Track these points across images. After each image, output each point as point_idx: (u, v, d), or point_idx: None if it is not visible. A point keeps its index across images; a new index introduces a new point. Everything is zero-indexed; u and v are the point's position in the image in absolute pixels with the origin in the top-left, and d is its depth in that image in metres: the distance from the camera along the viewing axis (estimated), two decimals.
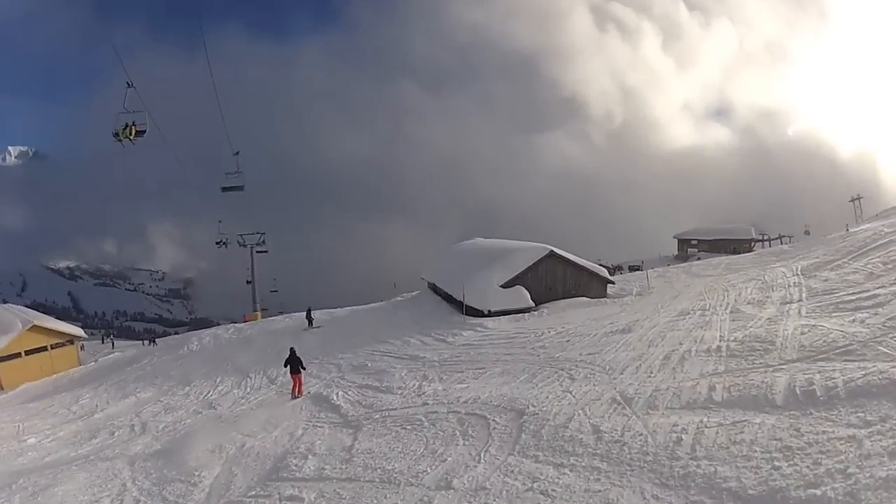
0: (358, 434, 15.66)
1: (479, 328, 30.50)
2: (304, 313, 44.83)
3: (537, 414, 13.40)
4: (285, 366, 23.48)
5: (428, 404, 17.15)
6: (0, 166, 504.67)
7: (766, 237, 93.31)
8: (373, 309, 48.30)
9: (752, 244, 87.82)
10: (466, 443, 12.94)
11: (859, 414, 9.16)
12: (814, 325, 15.89)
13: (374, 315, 44.31)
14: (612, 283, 41.93)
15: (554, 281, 39.12)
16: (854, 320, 15.36)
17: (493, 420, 13.86)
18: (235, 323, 55.68)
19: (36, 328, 43.54)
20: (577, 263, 40.10)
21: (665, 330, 20.45)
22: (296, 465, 14.03)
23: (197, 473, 15.11)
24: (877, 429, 8.49)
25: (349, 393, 21.21)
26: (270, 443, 16.66)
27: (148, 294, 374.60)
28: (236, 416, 22.02)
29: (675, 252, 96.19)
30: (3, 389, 38.22)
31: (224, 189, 54.34)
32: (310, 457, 14.43)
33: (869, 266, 23.52)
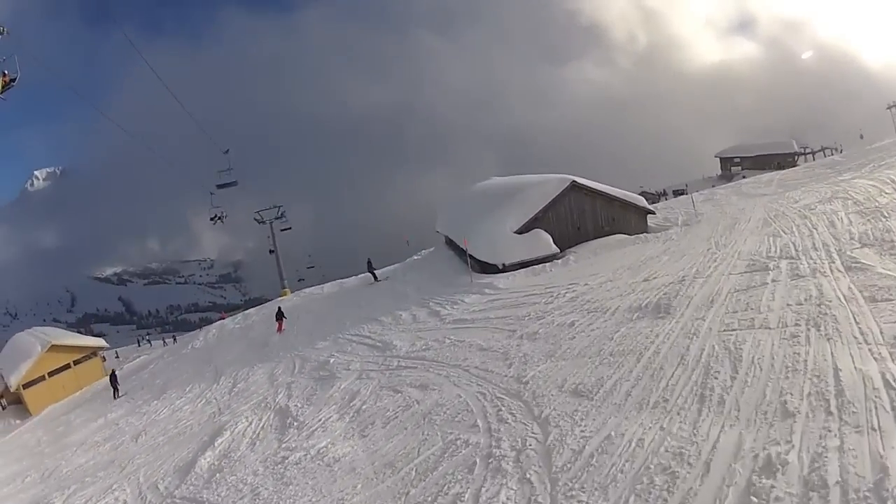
0: None
1: (487, 290, 25.75)
2: (366, 272, 42.59)
3: None
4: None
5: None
6: (31, 191, 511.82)
7: (808, 149, 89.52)
8: (382, 274, 43.16)
9: (796, 158, 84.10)
10: None
11: None
12: None
13: (377, 283, 40.06)
14: (653, 213, 35.93)
15: (582, 218, 33.13)
16: None
17: None
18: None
19: (56, 347, 41.87)
20: (607, 194, 33.89)
21: (735, 308, 13.40)
22: None
23: None
24: None
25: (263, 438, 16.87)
26: None
27: (199, 284, 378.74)
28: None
29: (719, 172, 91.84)
30: (31, 415, 37.18)
31: (219, 186, 53.93)
32: None
33: None
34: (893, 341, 9.23)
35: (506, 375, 13.95)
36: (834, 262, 14.71)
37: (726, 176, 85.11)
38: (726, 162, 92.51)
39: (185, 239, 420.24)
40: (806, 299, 12.43)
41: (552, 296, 20.59)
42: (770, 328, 11.41)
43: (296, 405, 18.16)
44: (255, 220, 59.72)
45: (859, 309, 10.99)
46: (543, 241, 30.59)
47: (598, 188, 33.75)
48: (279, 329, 34.10)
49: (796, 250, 16.99)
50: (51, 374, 40.67)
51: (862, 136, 65.18)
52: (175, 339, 58.37)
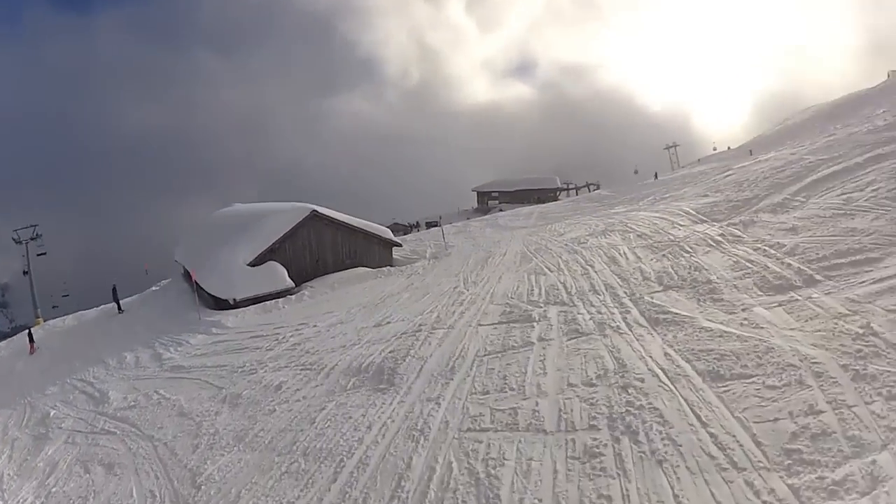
0: None
1: (214, 329, 23.36)
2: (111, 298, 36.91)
3: None
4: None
5: None
6: None
7: (571, 185, 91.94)
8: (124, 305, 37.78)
9: (558, 193, 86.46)
10: None
11: None
12: None
13: (114, 317, 34.74)
14: (399, 245, 34.63)
15: (322, 250, 31.11)
16: None
17: None
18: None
19: None
20: (350, 225, 32.12)
21: (486, 385, 9.90)
22: None
23: None
24: None
25: None
26: None
27: None
28: None
29: (475, 205, 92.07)
30: None
31: None
32: None
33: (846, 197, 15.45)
34: (787, 461, 5.83)
35: (185, 466, 10.82)
36: (629, 312, 11.49)
37: (482, 209, 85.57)
38: (483, 196, 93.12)
39: None
40: (599, 375, 8.83)
41: (276, 340, 18.46)
42: (545, 432, 7.72)
43: (8, 474, 14.49)
44: (13, 239, 54.04)
45: (699, 395, 7.53)
46: (278, 275, 28.30)
47: (340, 218, 31.98)
48: (31, 351, 29.73)
49: (568, 293, 14.16)
50: None
51: (636, 172, 68.57)
52: None
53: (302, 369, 14.02)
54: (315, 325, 18.81)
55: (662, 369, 8.47)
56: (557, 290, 14.80)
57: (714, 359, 8.30)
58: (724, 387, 7.51)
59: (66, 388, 21.42)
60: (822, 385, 6.91)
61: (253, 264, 28.61)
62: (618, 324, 10.94)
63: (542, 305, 13.66)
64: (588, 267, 16.68)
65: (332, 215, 31.52)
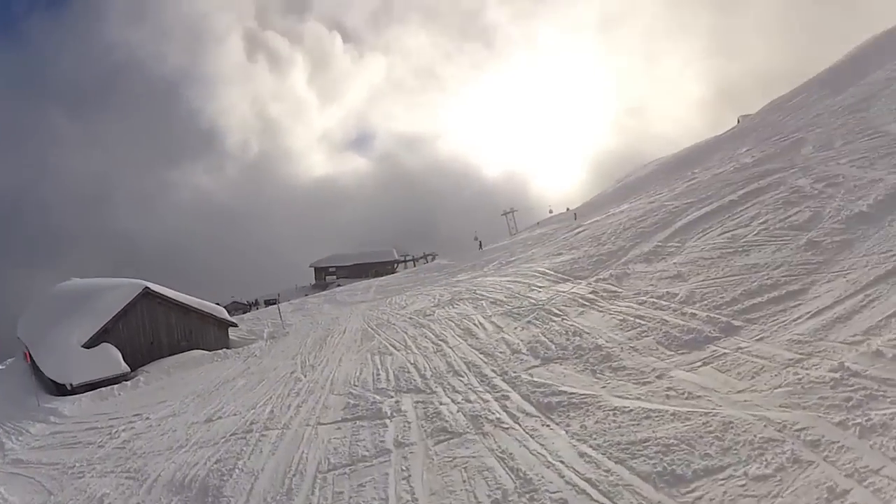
0: None
1: (52, 418, 21.61)
2: None
3: None
4: None
5: None
6: None
7: (409, 257, 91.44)
8: None
9: (396, 265, 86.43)
10: None
11: None
12: None
13: None
14: (235, 325, 32.86)
15: (156, 331, 28.89)
16: None
17: None
18: None
19: None
20: (184, 304, 30.08)
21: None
22: None
23: None
24: None
25: None
26: None
27: None
28: None
29: (313, 281, 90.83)
30: None
31: None
32: None
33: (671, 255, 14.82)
34: None
35: None
36: (507, 398, 9.16)
37: (320, 285, 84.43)
38: (321, 271, 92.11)
39: None
40: (497, 501, 6.28)
41: (109, 434, 16.53)
42: None
43: None
44: None
45: None
46: (112, 358, 26.12)
47: (173, 297, 29.86)
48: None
49: (422, 376, 12.01)
50: None
51: (477, 239, 68.85)
52: None
53: (126, 477, 11.83)
54: (147, 418, 16.92)
55: (588, 480, 6.06)
56: (409, 373, 12.62)
57: (656, 452, 6.14)
58: (691, 492, 5.36)
59: None
60: (827, 456, 5.15)
61: (88, 345, 26.33)
62: (497, 415, 8.52)
63: (392, 394, 11.28)
64: (440, 342, 14.69)
65: (165, 293, 29.35)
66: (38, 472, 15.09)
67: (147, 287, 28.29)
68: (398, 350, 15.50)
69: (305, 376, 15.75)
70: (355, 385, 12.94)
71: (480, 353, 12.31)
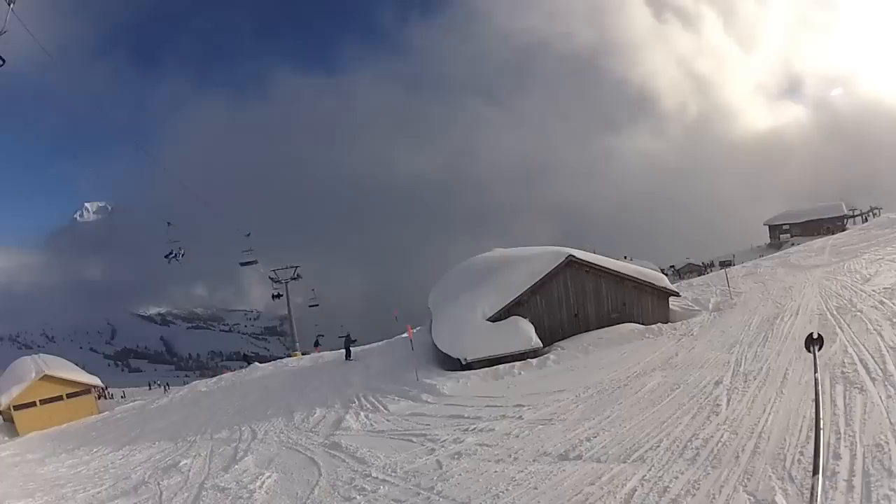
0: None
1: (425, 396, 19.96)
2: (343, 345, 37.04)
3: None
4: None
5: None
6: (80, 222, 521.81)
7: (857, 211, 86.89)
8: (362, 353, 36.37)
9: (845, 221, 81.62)
10: None
11: None
12: None
13: (347, 363, 33.52)
14: (677, 294, 27.72)
15: (582, 302, 25.75)
16: None
17: None
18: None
19: (49, 377, 42.75)
20: (616, 272, 26.25)
21: None
22: None
23: None
24: None
25: None
26: None
27: (244, 334, 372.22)
28: None
29: (768, 241, 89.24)
30: (18, 434, 38.23)
31: (241, 264, 55.25)
32: None
33: None
34: None
35: None
36: None
37: (775, 244, 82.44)
38: (775, 230, 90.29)
39: (232, 289, 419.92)
40: None
41: (465, 429, 14.06)
42: None
43: None
44: (271, 279, 58.18)
45: None
46: (521, 333, 23.67)
47: (605, 265, 26.35)
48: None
49: None
50: (43, 401, 41.42)
51: None
52: (167, 387, 57.17)
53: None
54: (521, 416, 13.99)
55: None
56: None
57: None
58: None
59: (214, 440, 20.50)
60: None
61: (494, 319, 24.40)
62: None
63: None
64: None
65: (593, 261, 26.16)
66: (361, 462, 13.21)
67: (571, 255, 25.53)
68: (873, 380, 10.22)
69: (728, 404, 11.11)
70: (796, 460, 7.80)
71: None
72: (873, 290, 17.86)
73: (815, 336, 5.44)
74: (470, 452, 11.82)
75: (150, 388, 71.33)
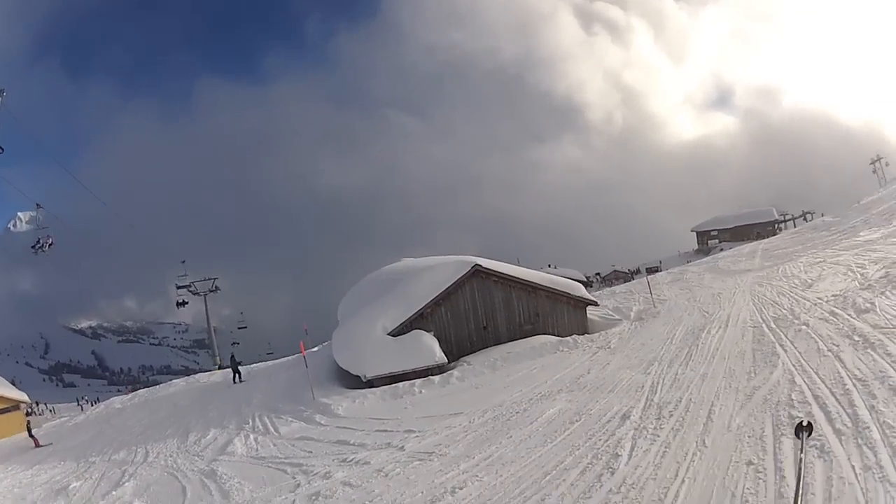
0: None
1: (319, 416, 18.71)
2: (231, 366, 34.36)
3: None
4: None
5: None
6: (13, 232, 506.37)
7: (789, 216, 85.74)
8: (275, 366, 35.05)
9: (777, 226, 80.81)
10: None
11: None
12: None
13: (234, 386, 31.37)
14: (594, 303, 26.39)
15: (492, 314, 24.37)
16: None
17: None
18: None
19: None
20: (528, 282, 24.86)
21: None
22: None
23: None
24: None
25: None
26: None
27: (173, 347, 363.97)
28: None
29: (696, 246, 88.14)
30: None
31: (178, 305, 57.17)
32: None
33: None
34: None
35: None
36: None
37: (703, 250, 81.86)
38: (703, 235, 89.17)
39: (161, 302, 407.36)
40: None
41: (343, 459, 12.86)
42: None
43: None
44: (190, 290, 56.46)
45: None
46: (425, 348, 22.14)
47: (515, 274, 24.93)
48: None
49: None
50: None
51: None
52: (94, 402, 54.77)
53: None
54: (403, 448, 12.49)
55: None
56: None
57: None
58: None
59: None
60: None
61: (395, 333, 22.82)
62: None
63: None
64: None
65: (502, 270, 24.66)
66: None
67: (477, 265, 24.00)
68: (838, 434, 7.42)
69: (630, 457, 8.66)
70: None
71: None
72: (818, 298, 16.55)
73: (805, 424, 4.70)
74: (327, 495, 10.45)
75: (78, 404, 68.29)
